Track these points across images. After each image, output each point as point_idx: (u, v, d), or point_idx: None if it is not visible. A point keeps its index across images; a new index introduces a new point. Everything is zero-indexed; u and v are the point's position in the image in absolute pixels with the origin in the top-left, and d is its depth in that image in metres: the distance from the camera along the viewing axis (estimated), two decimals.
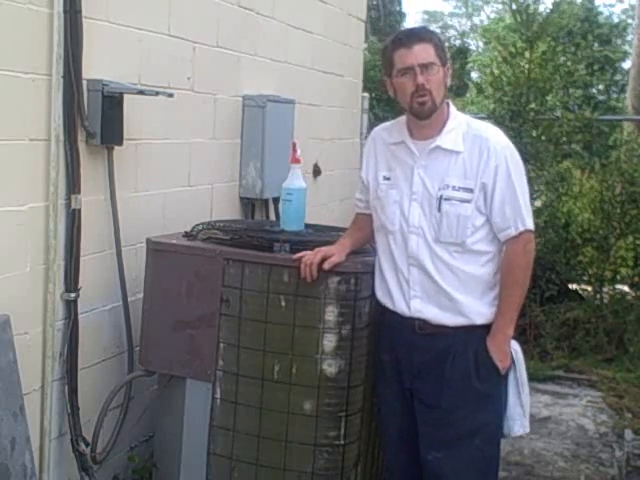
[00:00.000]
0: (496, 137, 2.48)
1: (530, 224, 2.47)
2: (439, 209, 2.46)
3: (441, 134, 2.48)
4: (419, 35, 2.46)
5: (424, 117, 2.47)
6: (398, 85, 2.48)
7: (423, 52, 2.42)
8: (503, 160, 2.43)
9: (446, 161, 2.47)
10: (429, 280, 2.49)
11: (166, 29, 3.30)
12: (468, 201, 2.43)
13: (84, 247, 2.89)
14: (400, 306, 2.54)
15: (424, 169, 2.49)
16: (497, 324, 2.50)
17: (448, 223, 2.45)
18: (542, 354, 5.54)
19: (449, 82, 2.51)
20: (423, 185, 2.49)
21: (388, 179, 2.58)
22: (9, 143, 2.58)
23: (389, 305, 2.58)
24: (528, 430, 2.64)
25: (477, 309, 2.48)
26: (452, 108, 2.54)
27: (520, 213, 2.45)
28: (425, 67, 2.41)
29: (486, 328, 2.50)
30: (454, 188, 2.45)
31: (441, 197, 2.46)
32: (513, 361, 2.55)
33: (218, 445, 2.82)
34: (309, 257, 2.61)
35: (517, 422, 2.58)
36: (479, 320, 2.49)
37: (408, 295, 2.53)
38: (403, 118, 2.59)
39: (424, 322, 2.50)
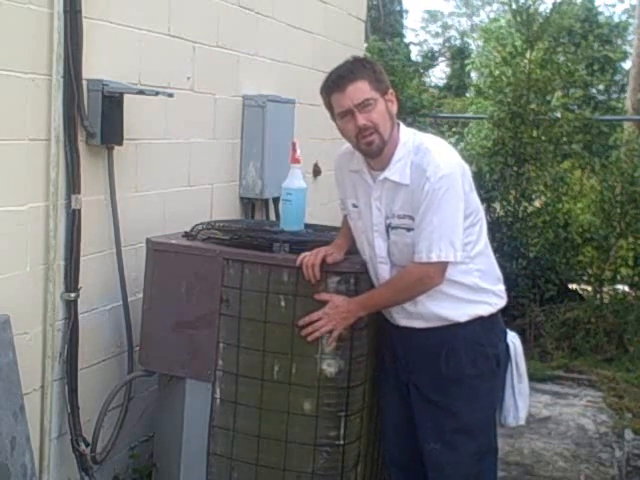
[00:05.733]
0: (435, 166, 2.36)
1: (440, 256, 2.37)
2: (388, 237, 2.49)
3: (389, 165, 2.44)
4: (348, 76, 2.37)
5: (375, 156, 2.44)
6: (341, 128, 2.44)
7: (357, 92, 2.35)
8: (432, 191, 2.35)
9: (395, 192, 2.45)
10: (407, 303, 2.52)
11: (166, 29, 3.30)
12: (414, 229, 2.42)
13: (84, 247, 2.90)
14: (391, 319, 2.62)
15: (379, 200, 2.49)
16: (355, 297, 2.56)
17: (399, 251, 2.48)
18: (542, 354, 5.55)
19: (395, 108, 2.45)
20: (380, 216, 2.50)
21: (356, 207, 2.59)
22: (9, 143, 2.58)
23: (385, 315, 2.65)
24: (522, 422, 2.70)
25: (461, 312, 2.51)
26: (401, 132, 2.47)
27: (430, 244, 2.37)
28: (362, 105, 2.35)
29: (474, 323, 2.51)
30: (399, 216, 2.44)
31: (389, 225, 2.48)
32: (509, 354, 2.60)
33: (218, 445, 2.82)
34: (310, 259, 2.61)
35: (510, 414, 2.65)
36: (464, 318, 2.50)
37: (392, 317, 2.60)
38: None
39: (414, 328, 2.56)
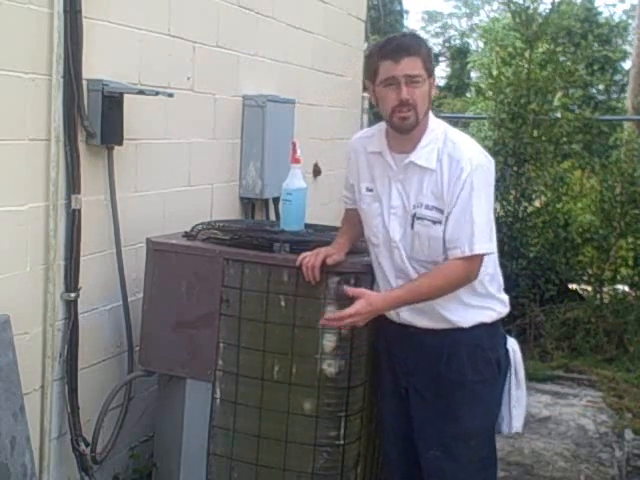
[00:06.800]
0: (468, 158, 2.37)
1: (482, 248, 2.36)
2: (412, 227, 2.44)
3: (416, 149, 2.42)
4: (408, 50, 2.36)
5: (405, 132, 2.42)
6: (380, 95, 2.41)
7: (410, 65, 2.35)
8: (469, 182, 2.35)
9: (421, 178, 2.42)
10: None
11: (166, 29, 3.30)
12: (440, 222, 2.39)
13: (84, 247, 2.90)
14: (390, 314, 2.55)
15: (401, 183, 2.45)
16: (390, 292, 2.46)
17: (420, 243, 2.43)
18: (542, 354, 5.55)
19: (434, 94, 2.46)
20: (401, 200, 2.46)
21: (371, 190, 2.54)
22: (9, 143, 2.58)
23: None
24: (515, 431, 2.65)
25: (463, 315, 2.47)
26: (431, 119, 2.47)
27: (471, 236, 2.35)
28: (411, 78, 2.34)
29: (478, 328, 2.49)
30: (427, 207, 2.40)
31: (414, 215, 2.42)
32: (509, 361, 2.57)
33: (218, 445, 2.82)
34: (310, 259, 2.60)
35: (504, 421, 2.61)
36: (466, 324, 2.48)
37: (393, 312, 2.54)
38: (383, 125, 2.53)
39: (415, 327, 2.52)
